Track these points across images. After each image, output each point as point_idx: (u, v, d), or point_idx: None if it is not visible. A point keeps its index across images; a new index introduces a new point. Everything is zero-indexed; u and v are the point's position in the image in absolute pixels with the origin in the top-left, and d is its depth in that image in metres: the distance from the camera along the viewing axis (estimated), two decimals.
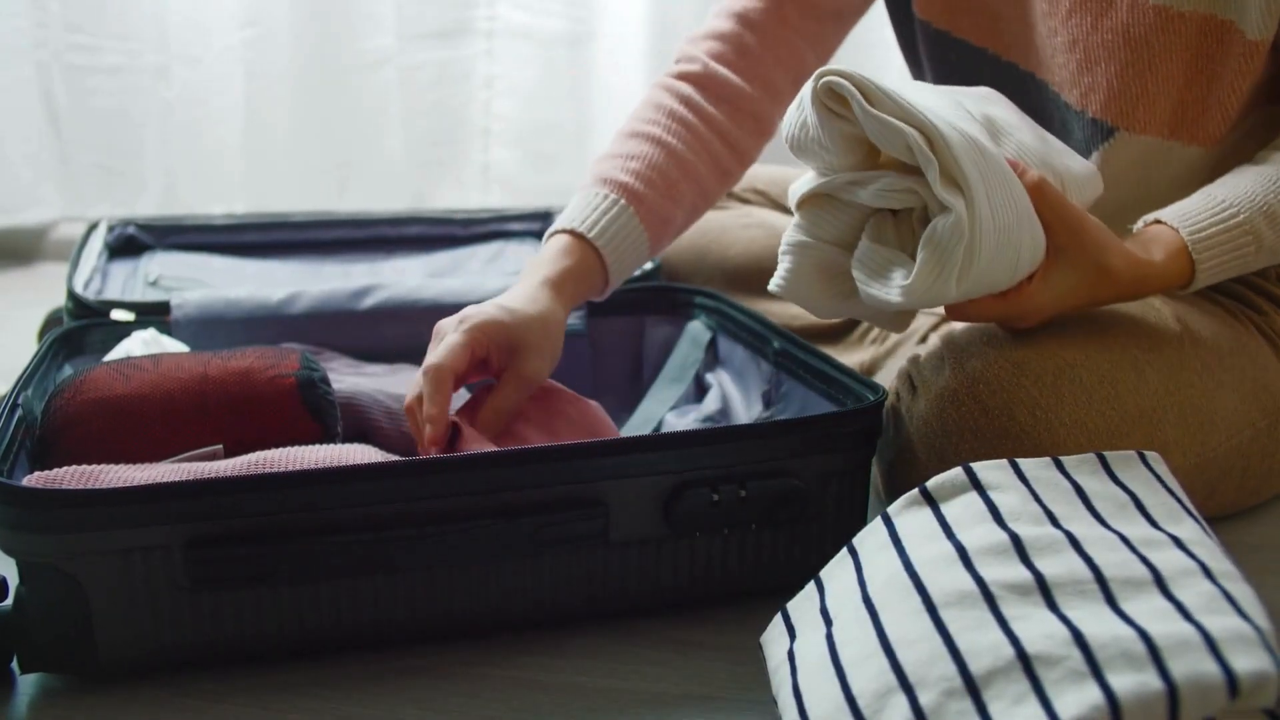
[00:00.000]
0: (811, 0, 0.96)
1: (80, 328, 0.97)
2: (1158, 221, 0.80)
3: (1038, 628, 0.52)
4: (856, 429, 0.77)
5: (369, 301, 1.06)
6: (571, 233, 0.88)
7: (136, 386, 0.78)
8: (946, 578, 0.56)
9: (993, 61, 0.93)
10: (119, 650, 0.66)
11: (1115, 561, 0.56)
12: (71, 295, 1.04)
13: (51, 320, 1.18)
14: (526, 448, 0.71)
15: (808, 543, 0.77)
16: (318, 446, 0.75)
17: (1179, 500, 0.63)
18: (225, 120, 1.92)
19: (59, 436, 0.76)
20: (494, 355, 0.81)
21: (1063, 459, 0.64)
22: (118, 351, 0.91)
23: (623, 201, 0.89)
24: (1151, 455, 0.66)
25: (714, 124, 0.94)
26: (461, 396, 0.85)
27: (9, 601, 0.67)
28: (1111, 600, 0.53)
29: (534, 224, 1.47)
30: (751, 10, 0.96)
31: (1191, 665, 0.49)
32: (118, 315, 1.01)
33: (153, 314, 1.02)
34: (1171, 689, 0.48)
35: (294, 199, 1.94)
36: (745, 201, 1.26)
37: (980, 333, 0.80)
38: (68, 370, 0.93)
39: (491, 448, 0.75)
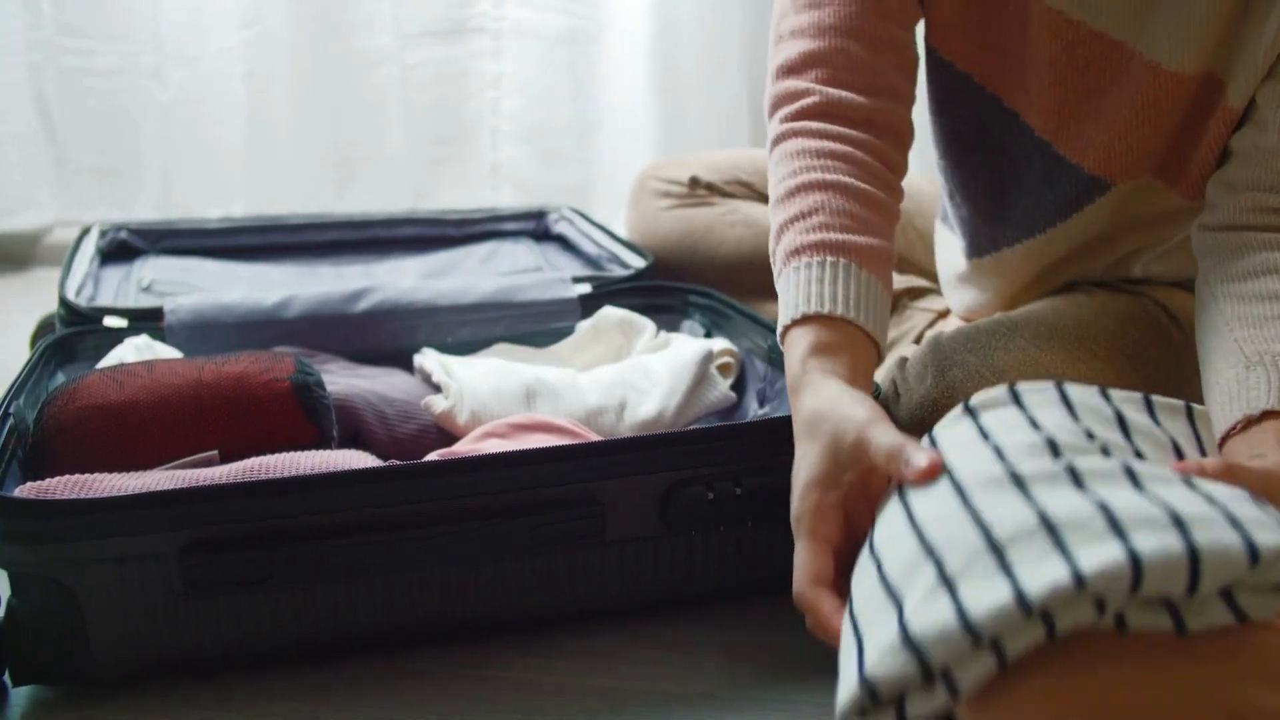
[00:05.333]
0: None
1: (72, 334, 0.97)
2: (1267, 414, 0.67)
3: (1063, 500, 0.52)
4: None
5: (363, 304, 1.05)
6: (811, 319, 0.72)
7: (130, 393, 0.78)
8: (980, 467, 0.56)
9: (977, 91, 0.90)
10: (114, 659, 0.66)
11: (1146, 468, 0.56)
12: (64, 302, 1.04)
13: (44, 327, 1.17)
14: (522, 449, 0.71)
15: None
16: (312, 452, 0.75)
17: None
18: (224, 121, 1.92)
19: (52, 445, 0.76)
20: (856, 480, 0.64)
21: (1110, 390, 0.63)
22: (111, 358, 0.91)
23: (839, 260, 0.74)
24: (1198, 409, 0.65)
25: (863, 146, 0.80)
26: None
27: (0, 613, 0.67)
28: (1140, 487, 0.54)
29: (528, 223, 1.47)
30: (847, 16, 0.84)
31: (1215, 534, 0.50)
32: (110, 322, 1.01)
33: (146, 320, 1.01)
34: (1193, 551, 0.49)
35: (294, 200, 1.94)
36: (729, 195, 1.26)
37: (965, 338, 0.79)
38: (60, 378, 0.93)
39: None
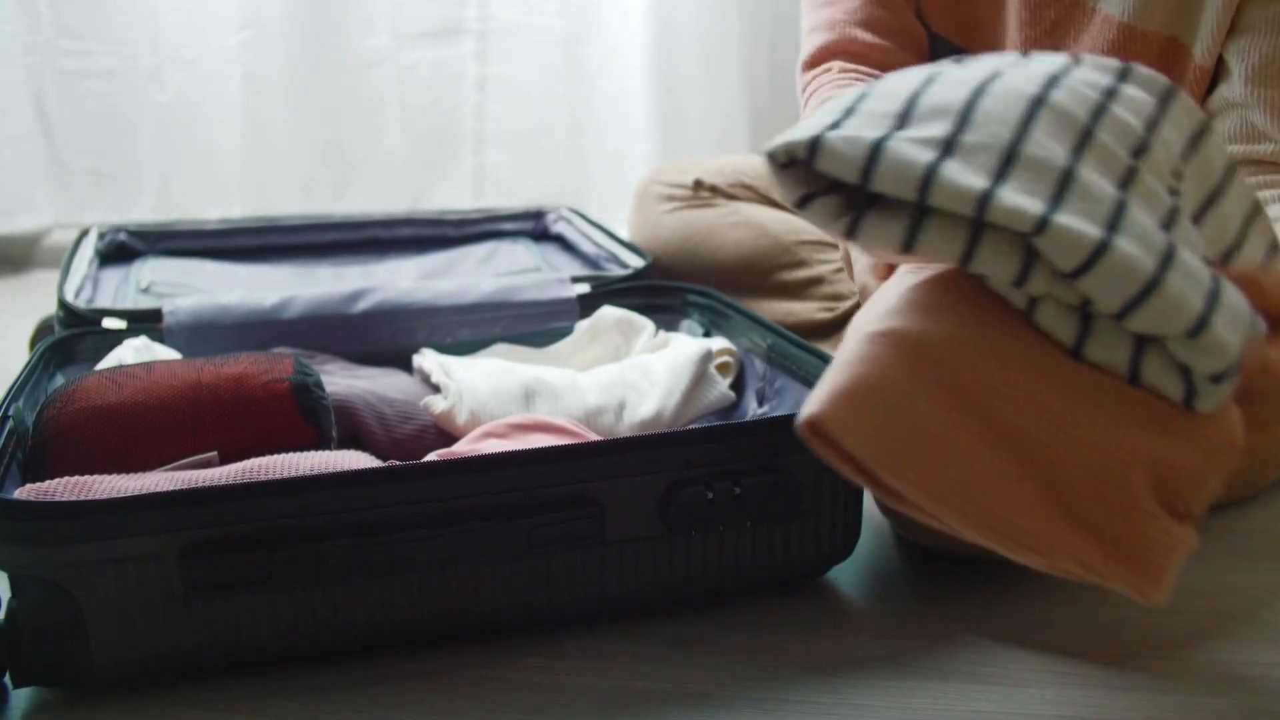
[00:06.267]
0: None
1: (71, 336, 0.97)
2: None
3: (1097, 178, 0.51)
4: None
5: (362, 305, 1.05)
6: None
7: (129, 395, 0.78)
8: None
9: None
10: (114, 660, 0.66)
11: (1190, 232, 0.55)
12: (62, 304, 1.04)
13: (43, 329, 1.17)
14: (521, 450, 0.71)
15: (804, 538, 0.77)
16: (311, 453, 0.75)
17: None
18: (222, 122, 1.92)
19: (51, 446, 0.76)
20: None
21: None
22: (109, 360, 0.91)
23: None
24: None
25: None
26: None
27: (0, 615, 0.67)
28: (1169, 226, 0.53)
29: (526, 223, 1.47)
30: (853, 10, 0.90)
31: (1184, 282, 0.49)
32: (109, 323, 1.01)
33: (144, 321, 1.01)
34: (1156, 280, 0.48)
35: (292, 201, 1.94)
36: (732, 197, 1.26)
37: None
38: (59, 380, 0.93)
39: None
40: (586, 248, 1.33)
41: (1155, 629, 0.75)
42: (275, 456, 0.74)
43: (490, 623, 0.73)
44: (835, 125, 0.53)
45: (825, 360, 0.86)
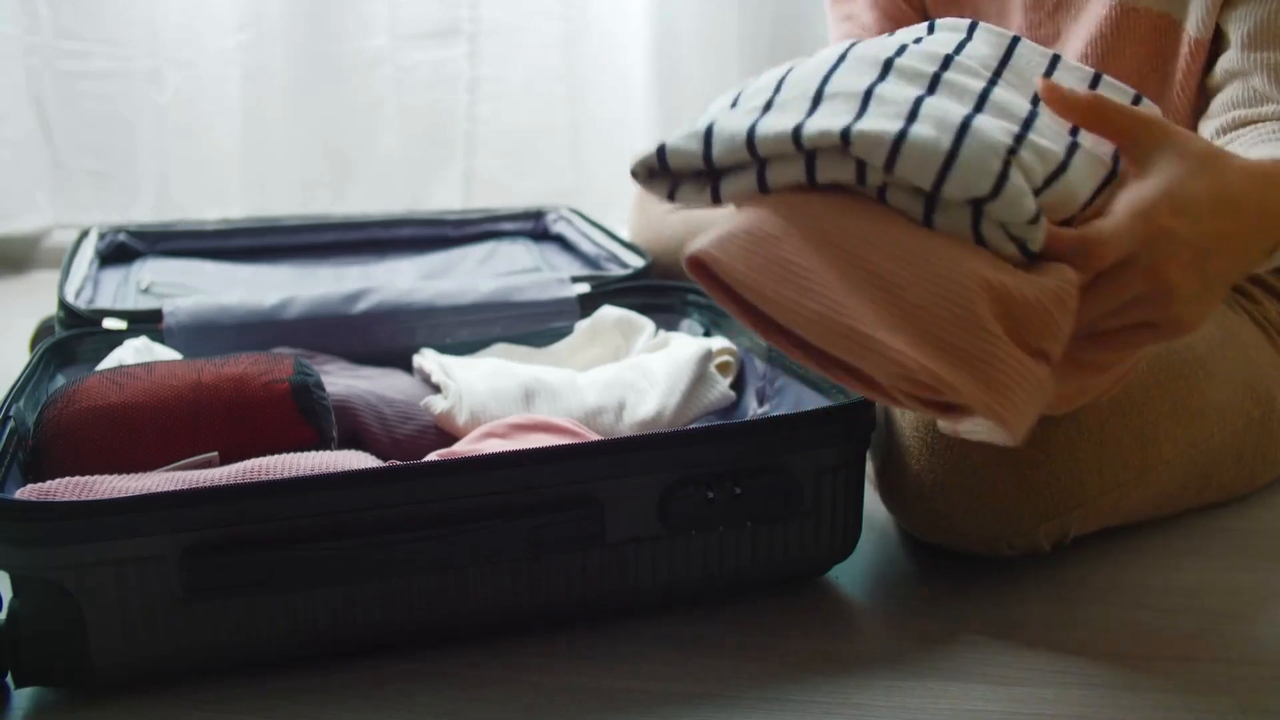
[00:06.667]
0: None
1: (72, 337, 0.97)
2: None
3: (899, 89, 0.59)
4: (850, 424, 0.76)
5: (362, 305, 1.06)
6: None
7: (130, 395, 0.78)
8: (877, 48, 0.62)
9: None
10: (115, 662, 0.66)
11: (1006, 96, 0.61)
12: (63, 304, 1.04)
13: (43, 330, 1.17)
14: (521, 449, 0.71)
15: (804, 539, 0.77)
16: (312, 453, 0.75)
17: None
18: (221, 123, 1.92)
19: (52, 447, 0.76)
20: None
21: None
22: (109, 361, 0.91)
23: None
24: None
25: None
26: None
27: (1, 615, 0.67)
28: (978, 108, 0.59)
29: (526, 223, 1.47)
30: (872, 4, 0.99)
31: (981, 149, 0.56)
32: (109, 324, 1.01)
33: (145, 322, 1.01)
34: (953, 153, 0.55)
35: (291, 202, 1.94)
36: None
37: None
38: (60, 380, 0.93)
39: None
40: (586, 247, 1.33)
41: (1155, 629, 0.75)
42: (275, 457, 0.74)
43: (490, 623, 0.73)
44: (697, 123, 0.62)
45: None
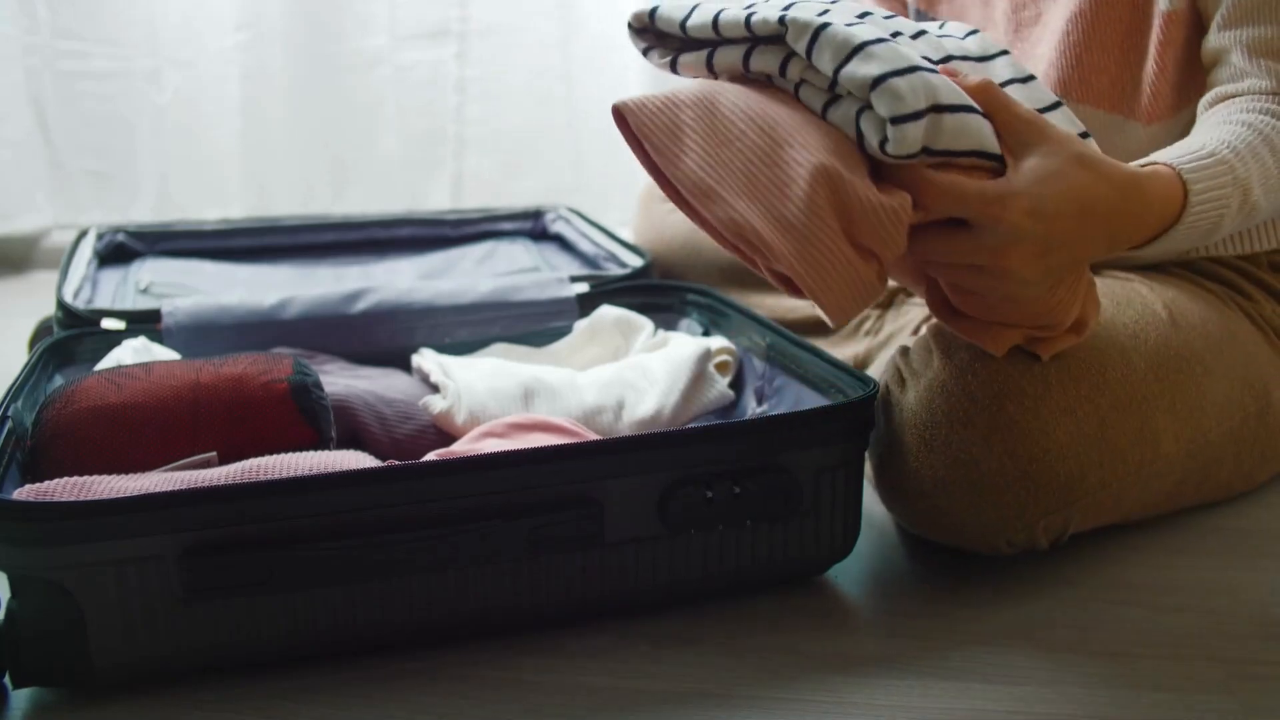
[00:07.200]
0: None
1: (70, 337, 0.97)
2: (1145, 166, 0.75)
3: (841, 16, 0.68)
4: (849, 423, 0.77)
5: (361, 305, 1.05)
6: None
7: (129, 395, 0.78)
8: None
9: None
10: (114, 662, 0.66)
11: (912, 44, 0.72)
12: (61, 304, 1.04)
13: (42, 330, 1.17)
14: (521, 449, 0.71)
15: (803, 538, 0.77)
16: (311, 453, 0.75)
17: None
18: (220, 123, 1.92)
19: (50, 447, 0.76)
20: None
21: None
22: (108, 361, 0.91)
23: None
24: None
25: None
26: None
27: (1, 615, 0.67)
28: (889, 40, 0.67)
29: (525, 223, 1.47)
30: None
31: (886, 62, 0.65)
32: (108, 324, 1.01)
33: (144, 322, 1.01)
34: (858, 46, 0.65)
35: (290, 201, 1.94)
36: None
37: None
38: (58, 380, 0.93)
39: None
40: (585, 247, 1.33)
41: (1154, 628, 0.75)
42: (275, 457, 0.73)
43: (490, 623, 0.73)
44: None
45: (825, 358, 0.86)
